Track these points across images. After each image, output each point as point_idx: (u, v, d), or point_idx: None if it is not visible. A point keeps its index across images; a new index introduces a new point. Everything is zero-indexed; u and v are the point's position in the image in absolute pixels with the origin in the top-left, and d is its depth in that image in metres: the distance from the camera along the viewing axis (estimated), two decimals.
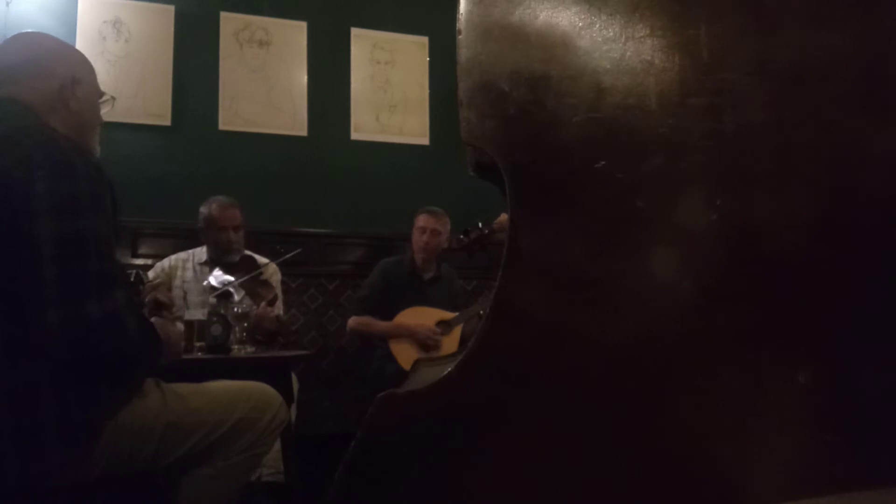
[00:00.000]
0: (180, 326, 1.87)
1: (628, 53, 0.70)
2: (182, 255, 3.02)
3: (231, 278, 2.56)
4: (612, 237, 0.70)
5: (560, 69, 0.69)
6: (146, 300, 1.54)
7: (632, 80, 0.70)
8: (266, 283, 2.74)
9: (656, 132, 0.70)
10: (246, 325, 2.31)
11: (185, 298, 2.17)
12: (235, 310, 2.28)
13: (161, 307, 1.54)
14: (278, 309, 2.79)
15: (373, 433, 0.66)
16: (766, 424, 0.71)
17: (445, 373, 0.65)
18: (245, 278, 2.62)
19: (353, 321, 3.16)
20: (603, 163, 0.69)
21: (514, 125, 0.69)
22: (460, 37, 0.68)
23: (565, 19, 0.69)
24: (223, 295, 2.49)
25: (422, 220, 3.30)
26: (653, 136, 0.70)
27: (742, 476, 0.69)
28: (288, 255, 2.73)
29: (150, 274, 2.79)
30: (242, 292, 2.56)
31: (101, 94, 1.56)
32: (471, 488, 0.66)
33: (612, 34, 0.70)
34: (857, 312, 0.73)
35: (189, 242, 3.12)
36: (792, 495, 0.68)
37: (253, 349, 2.36)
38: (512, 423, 0.66)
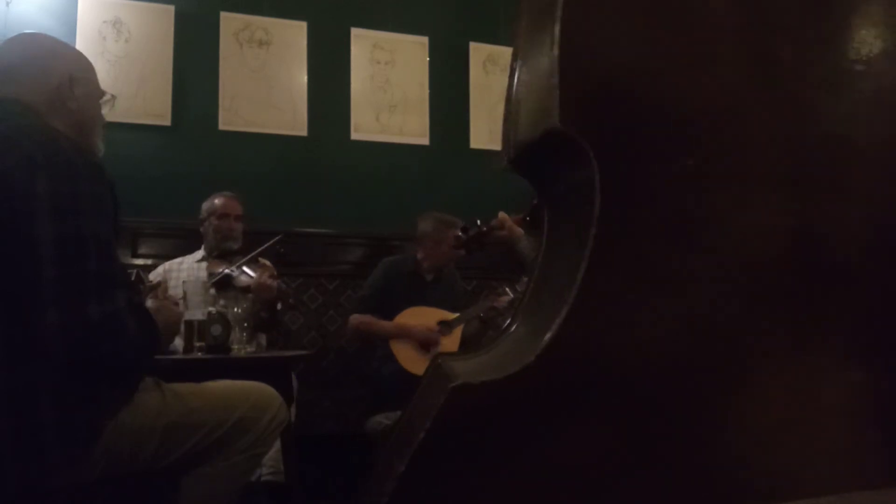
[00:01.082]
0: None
1: (724, 53, 0.71)
2: (175, 260, 3.04)
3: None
4: (694, 233, 0.70)
5: (660, 64, 0.69)
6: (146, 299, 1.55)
7: (724, 81, 0.71)
8: (265, 265, 2.76)
9: (742, 134, 0.71)
10: (245, 316, 2.31)
11: (184, 298, 2.18)
12: (236, 310, 2.28)
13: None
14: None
15: (445, 424, 0.63)
16: (822, 420, 0.73)
17: (524, 363, 0.64)
18: (244, 259, 2.64)
19: (354, 319, 3.14)
20: (692, 160, 0.69)
21: (614, 116, 0.68)
22: (558, 24, 0.67)
23: (667, 16, 0.70)
24: (222, 282, 2.51)
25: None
26: (738, 138, 0.71)
27: (794, 470, 0.71)
28: (269, 244, 2.73)
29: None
30: (242, 273, 2.59)
31: (102, 93, 1.56)
32: (540, 481, 0.66)
33: (709, 32, 0.71)
34: None
35: (189, 243, 3.13)
36: (844, 489, 0.70)
37: (253, 349, 2.36)
38: (586, 415, 0.66)
